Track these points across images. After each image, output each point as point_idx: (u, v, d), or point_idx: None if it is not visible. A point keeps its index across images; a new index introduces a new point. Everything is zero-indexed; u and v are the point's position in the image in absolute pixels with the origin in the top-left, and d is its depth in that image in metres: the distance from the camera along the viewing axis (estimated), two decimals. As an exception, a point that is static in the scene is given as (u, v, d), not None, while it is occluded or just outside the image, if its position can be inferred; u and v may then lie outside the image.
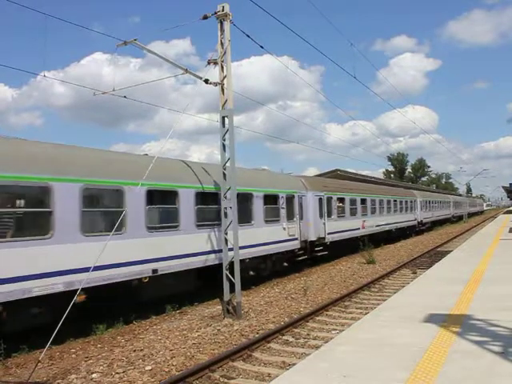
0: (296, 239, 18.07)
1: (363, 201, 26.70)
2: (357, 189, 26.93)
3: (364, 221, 26.17)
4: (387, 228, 30.58)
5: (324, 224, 20.51)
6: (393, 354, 5.97)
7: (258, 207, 15.67)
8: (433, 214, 46.70)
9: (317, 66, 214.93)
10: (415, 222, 38.90)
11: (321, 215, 20.41)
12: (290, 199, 17.91)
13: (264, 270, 16.55)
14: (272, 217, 16.68)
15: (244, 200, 14.81)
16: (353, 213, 24.89)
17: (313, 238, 19.59)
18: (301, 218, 18.66)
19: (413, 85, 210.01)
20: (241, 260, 12.59)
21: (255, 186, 15.84)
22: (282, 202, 17.14)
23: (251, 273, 15.66)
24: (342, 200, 23.51)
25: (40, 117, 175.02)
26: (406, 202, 36.87)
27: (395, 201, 33.46)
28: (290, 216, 17.75)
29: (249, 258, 14.73)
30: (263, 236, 15.63)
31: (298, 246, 18.30)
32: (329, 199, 21.56)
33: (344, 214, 23.63)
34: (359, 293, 14.19)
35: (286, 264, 17.83)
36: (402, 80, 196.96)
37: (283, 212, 17.19)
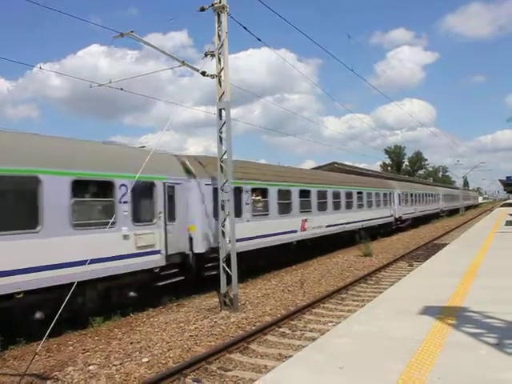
0: (157, 252, 11.76)
1: (304, 193, 19.56)
2: (295, 177, 19.98)
3: (305, 220, 19.37)
4: (348, 228, 23.94)
5: (223, 227, 13.32)
6: (389, 346, 6.00)
7: (56, 201, 9.41)
8: (416, 209, 40.17)
9: (314, 58, 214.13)
10: (391, 219, 32.54)
11: (216, 214, 12.77)
12: (145, 189, 11.61)
13: (82, 306, 10.14)
14: (96, 218, 10.47)
15: (15, 190, 9.09)
16: (285, 209, 17.93)
17: (200, 249, 13.10)
18: (171, 218, 12.36)
19: (410, 78, 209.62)
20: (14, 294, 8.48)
21: (51, 165, 9.52)
22: (121, 193, 10.86)
23: (38, 315, 9.02)
24: (263, 192, 16.80)
25: (36, 109, 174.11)
26: (378, 194, 30.17)
27: (360, 193, 26.76)
28: (145, 216, 11.59)
29: (37, 290, 8.92)
30: (70, 251, 9.50)
31: (163, 263, 11.94)
32: (236, 191, 14.08)
33: (267, 211, 16.80)
34: (356, 285, 14.26)
35: (133, 294, 11.30)
36: (400, 73, 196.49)
37: (124, 209, 10.93)
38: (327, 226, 21.55)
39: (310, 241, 20.00)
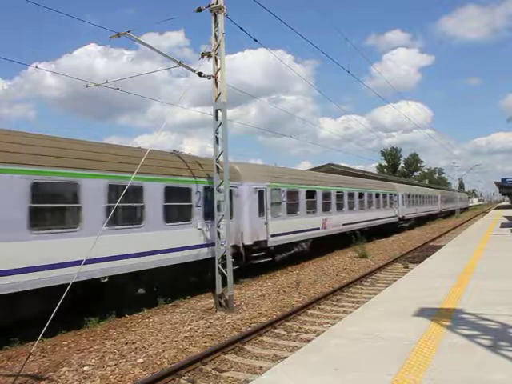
0: None
1: None
2: None
3: None
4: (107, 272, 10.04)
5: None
6: (384, 347, 6.02)
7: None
8: (325, 222, 21.42)
9: (311, 60, 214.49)
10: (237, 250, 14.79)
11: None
12: None
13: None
14: None
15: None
16: None
17: None
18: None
19: (406, 80, 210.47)
20: None
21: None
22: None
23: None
24: None
25: (32, 109, 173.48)
26: (206, 192, 13.34)
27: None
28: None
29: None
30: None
31: None
32: None
33: None
34: (351, 286, 14.27)
35: None
36: (396, 75, 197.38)
37: None
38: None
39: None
